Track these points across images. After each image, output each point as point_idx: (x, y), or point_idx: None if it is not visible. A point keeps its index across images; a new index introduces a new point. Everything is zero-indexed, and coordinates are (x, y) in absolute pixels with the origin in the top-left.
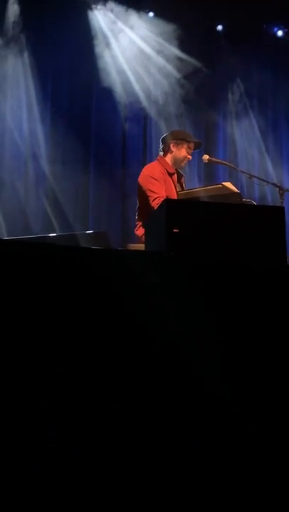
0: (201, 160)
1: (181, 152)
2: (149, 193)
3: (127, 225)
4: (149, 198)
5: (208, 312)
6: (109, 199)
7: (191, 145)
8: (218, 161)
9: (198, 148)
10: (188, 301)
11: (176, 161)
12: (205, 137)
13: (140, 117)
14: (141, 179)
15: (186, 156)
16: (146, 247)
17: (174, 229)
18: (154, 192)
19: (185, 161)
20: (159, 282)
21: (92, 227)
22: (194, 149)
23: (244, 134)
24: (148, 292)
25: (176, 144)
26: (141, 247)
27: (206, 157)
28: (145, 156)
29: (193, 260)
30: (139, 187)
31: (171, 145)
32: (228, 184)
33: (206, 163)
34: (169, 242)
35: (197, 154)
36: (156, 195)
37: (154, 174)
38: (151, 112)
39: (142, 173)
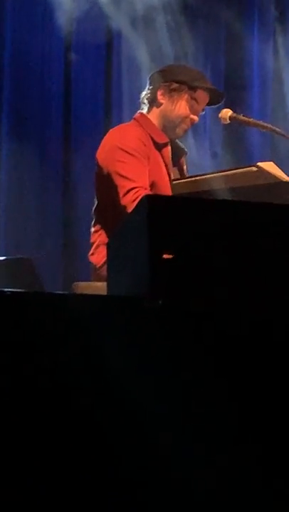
0: (218, 120)
1: (179, 107)
2: (117, 181)
3: (73, 245)
4: (118, 191)
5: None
6: (38, 197)
7: (200, 94)
8: (251, 120)
9: (216, 104)
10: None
11: (170, 124)
12: (225, 77)
13: (100, 39)
14: (102, 155)
15: (187, 116)
16: (109, 288)
17: (163, 253)
18: (126, 179)
19: (186, 125)
20: (133, 359)
21: (8, 251)
22: (208, 105)
23: None
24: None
25: (170, 92)
26: (98, 287)
27: (227, 113)
28: (110, 116)
29: (200, 316)
30: (99, 170)
31: (160, 93)
32: (269, 165)
33: (226, 126)
34: (155, 278)
35: (211, 111)
36: (131, 185)
37: (129, 145)
38: (122, 27)
39: (104, 142)
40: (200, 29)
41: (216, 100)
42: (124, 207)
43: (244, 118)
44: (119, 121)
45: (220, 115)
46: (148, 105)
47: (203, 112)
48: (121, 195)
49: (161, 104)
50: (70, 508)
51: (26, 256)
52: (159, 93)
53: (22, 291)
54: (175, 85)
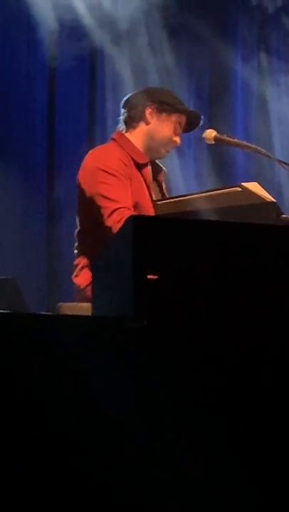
0: (201, 140)
1: (166, 127)
2: (100, 202)
3: (58, 268)
4: (102, 212)
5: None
6: (22, 218)
7: (183, 118)
8: (235, 141)
9: (193, 128)
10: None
11: (155, 144)
12: (208, 97)
13: (83, 53)
14: (83, 177)
15: (171, 137)
16: (94, 308)
17: (148, 273)
18: (110, 200)
19: (170, 146)
20: (118, 379)
21: None
22: (186, 130)
23: (285, 91)
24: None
25: (159, 112)
26: (83, 308)
27: (211, 134)
28: (93, 133)
29: (185, 336)
30: (80, 192)
31: (148, 112)
32: (253, 186)
33: (210, 146)
34: (140, 298)
35: (196, 132)
36: (115, 206)
37: (110, 165)
38: (104, 42)
39: (84, 164)
40: (184, 48)
41: (193, 125)
42: (109, 228)
43: (228, 138)
44: (103, 141)
45: (204, 135)
46: (129, 124)
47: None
48: (105, 216)
49: (149, 123)
50: None
51: (10, 276)
52: (147, 112)
53: (7, 312)
54: (165, 106)
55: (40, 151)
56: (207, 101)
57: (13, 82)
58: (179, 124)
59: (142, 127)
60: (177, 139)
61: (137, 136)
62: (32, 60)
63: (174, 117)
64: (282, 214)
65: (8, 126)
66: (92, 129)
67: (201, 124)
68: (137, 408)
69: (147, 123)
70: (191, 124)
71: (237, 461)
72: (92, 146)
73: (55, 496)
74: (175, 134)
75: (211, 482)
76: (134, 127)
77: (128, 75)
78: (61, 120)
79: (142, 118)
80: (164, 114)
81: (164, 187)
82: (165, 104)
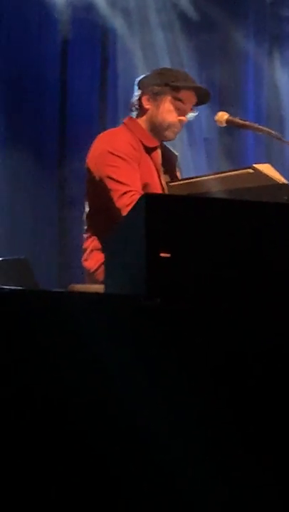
0: (213, 122)
1: (163, 110)
2: (109, 185)
3: (69, 251)
4: (111, 195)
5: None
6: (33, 203)
7: (185, 94)
8: (247, 123)
9: (203, 103)
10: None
11: (158, 128)
12: (219, 80)
13: (95, 34)
14: (93, 160)
15: (172, 120)
16: (106, 287)
17: (161, 251)
18: (119, 182)
19: (175, 128)
20: (130, 357)
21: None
22: (196, 104)
23: None
24: (108, 371)
25: (154, 96)
26: (95, 290)
27: (223, 116)
28: (104, 115)
29: (197, 315)
30: (90, 175)
31: (144, 98)
32: (265, 167)
33: (222, 128)
34: (153, 277)
35: (206, 112)
36: (124, 189)
37: (119, 149)
38: (116, 23)
39: (94, 147)
40: (195, 31)
41: (202, 100)
42: (119, 210)
43: (240, 121)
44: (115, 123)
45: (216, 118)
46: (136, 111)
47: (196, 113)
48: (115, 198)
49: (147, 109)
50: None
51: (22, 256)
52: (144, 99)
53: (20, 289)
54: (157, 88)
55: (51, 135)
56: (218, 84)
57: (25, 64)
58: (182, 101)
59: (144, 113)
60: (182, 118)
61: (143, 122)
62: (44, 42)
63: (169, 96)
64: None
65: (20, 109)
66: (103, 112)
67: (209, 96)
68: (149, 386)
69: (146, 109)
70: (199, 97)
71: (245, 439)
72: (103, 129)
73: (63, 472)
74: (180, 112)
75: (222, 463)
76: (139, 113)
77: (140, 57)
78: (72, 103)
79: (141, 106)
80: (158, 97)
81: (178, 175)
82: (157, 87)
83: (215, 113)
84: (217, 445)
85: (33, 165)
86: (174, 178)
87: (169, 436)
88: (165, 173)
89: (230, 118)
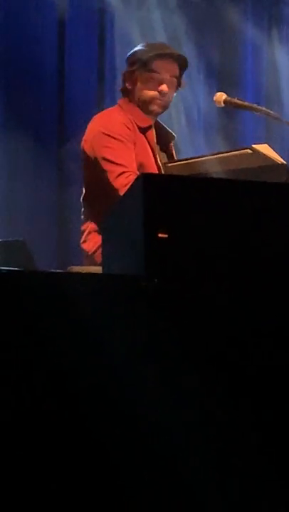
0: (212, 102)
1: (142, 85)
2: (105, 166)
3: (68, 233)
4: (108, 176)
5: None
6: (32, 186)
7: (159, 64)
8: (245, 104)
9: (183, 68)
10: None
11: (143, 105)
12: (219, 61)
13: (92, 9)
14: (88, 142)
15: (153, 94)
16: (104, 267)
17: (159, 232)
18: (115, 164)
19: (158, 100)
20: (128, 337)
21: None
22: (181, 71)
23: None
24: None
25: (131, 75)
26: (94, 270)
27: (221, 97)
28: (102, 99)
29: (195, 295)
30: (85, 157)
31: (126, 78)
32: (264, 148)
33: (221, 109)
34: (151, 258)
35: (205, 90)
36: (121, 169)
37: (114, 130)
38: (115, 5)
39: (89, 129)
40: (193, 20)
41: (182, 64)
42: (116, 191)
43: (238, 101)
44: (113, 102)
45: (214, 98)
46: (124, 93)
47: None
48: (111, 179)
49: (130, 90)
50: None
51: (20, 238)
52: (125, 79)
53: (18, 270)
54: (131, 68)
55: (50, 116)
56: (217, 65)
57: (22, 46)
58: (157, 71)
59: (130, 94)
60: (162, 88)
61: (133, 102)
62: (41, 24)
63: (143, 73)
64: None
65: (18, 91)
66: (101, 93)
67: (185, 60)
68: (146, 366)
69: (130, 90)
70: (181, 66)
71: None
72: (101, 109)
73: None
74: (158, 83)
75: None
76: (127, 95)
77: (137, 33)
78: (71, 84)
79: (125, 87)
80: (133, 76)
81: (173, 153)
82: (130, 66)
83: (213, 94)
84: (214, 425)
85: (32, 146)
86: (170, 157)
87: (168, 417)
88: (161, 151)
89: (229, 98)
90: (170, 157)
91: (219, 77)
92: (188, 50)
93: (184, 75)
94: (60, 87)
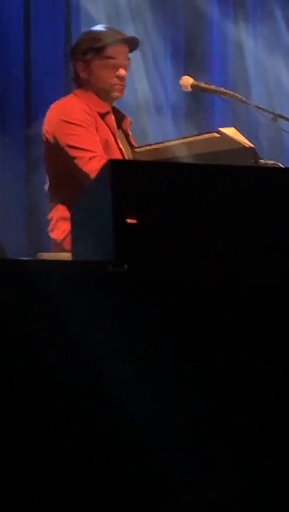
0: (178, 86)
1: (99, 73)
2: (72, 153)
3: (36, 222)
4: (77, 162)
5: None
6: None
7: (113, 49)
8: (212, 87)
9: (135, 48)
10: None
11: (102, 92)
12: (184, 45)
13: (57, 3)
14: (50, 130)
15: (110, 77)
16: (73, 254)
17: (128, 218)
18: (82, 149)
19: (118, 85)
20: (98, 323)
21: None
22: (130, 51)
23: (262, 39)
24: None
25: (85, 64)
26: (63, 257)
27: (188, 81)
28: (69, 80)
29: (166, 280)
30: (48, 146)
31: (79, 68)
32: (230, 131)
33: (187, 93)
34: (120, 244)
35: (171, 74)
36: (90, 154)
37: (75, 117)
38: None
39: (48, 118)
40: (159, 4)
41: (134, 46)
42: (87, 176)
43: (205, 85)
44: None
45: (181, 82)
46: (76, 82)
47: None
48: (81, 165)
49: (85, 79)
50: None
51: None
52: (78, 69)
53: None
54: (85, 56)
55: (16, 98)
56: (184, 49)
57: None
58: (113, 57)
59: (85, 82)
60: (120, 72)
61: (89, 90)
62: (6, 6)
63: (98, 61)
64: (260, 159)
65: None
66: (67, 72)
67: (137, 41)
68: (117, 352)
69: (85, 79)
70: (129, 45)
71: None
72: (68, 90)
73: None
74: (115, 68)
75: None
76: (81, 83)
77: (102, 14)
78: (37, 64)
79: (79, 76)
80: (88, 64)
81: (130, 135)
82: (84, 55)
83: (180, 77)
84: (197, 410)
85: None
86: (129, 141)
87: (141, 403)
88: (120, 136)
89: (196, 83)
90: (128, 138)
91: (186, 60)
92: (154, 34)
93: (151, 57)
94: (27, 69)
